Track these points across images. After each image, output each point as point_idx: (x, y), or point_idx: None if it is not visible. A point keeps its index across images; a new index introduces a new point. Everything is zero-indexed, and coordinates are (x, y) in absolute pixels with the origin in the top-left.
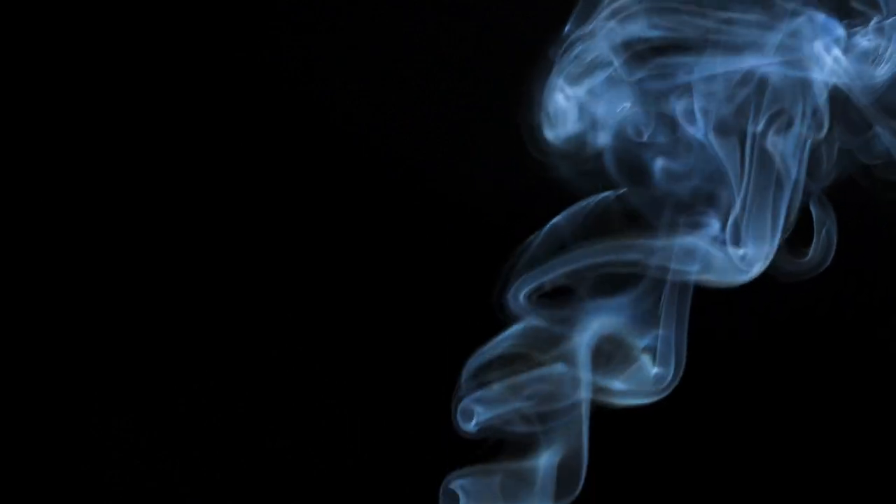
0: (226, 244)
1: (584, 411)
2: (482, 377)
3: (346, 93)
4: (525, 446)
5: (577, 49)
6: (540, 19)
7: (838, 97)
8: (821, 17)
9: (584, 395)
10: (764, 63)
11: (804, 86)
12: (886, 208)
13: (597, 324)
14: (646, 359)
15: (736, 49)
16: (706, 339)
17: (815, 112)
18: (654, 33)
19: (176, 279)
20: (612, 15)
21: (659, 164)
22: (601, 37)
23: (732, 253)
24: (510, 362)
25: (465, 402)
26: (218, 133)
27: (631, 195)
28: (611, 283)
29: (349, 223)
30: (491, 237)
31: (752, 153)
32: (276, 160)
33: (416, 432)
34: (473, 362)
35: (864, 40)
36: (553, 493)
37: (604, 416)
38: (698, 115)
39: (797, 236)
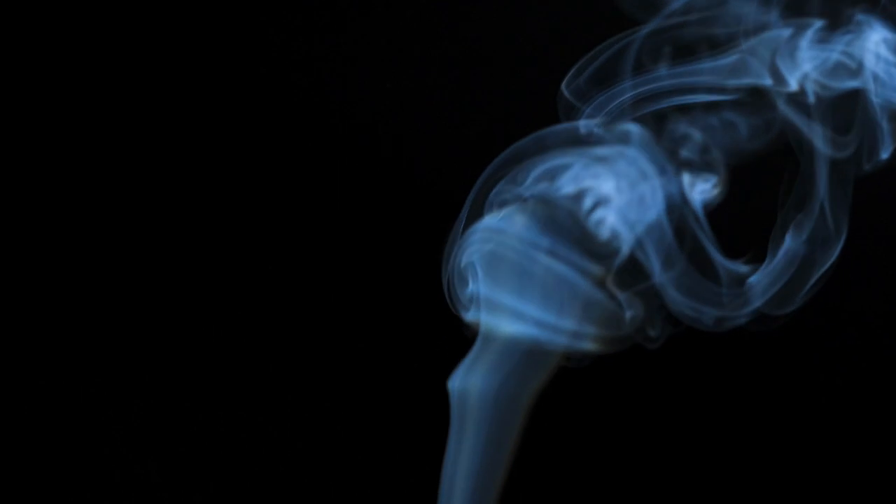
0: (225, 244)
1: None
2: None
3: (345, 92)
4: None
5: None
6: (540, 20)
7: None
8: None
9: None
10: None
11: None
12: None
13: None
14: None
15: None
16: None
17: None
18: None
19: (176, 279)
20: None
21: None
22: None
23: None
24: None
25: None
26: (217, 133)
27: None
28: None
29: (349, 223)
30: None
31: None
32: (275, 161)
33: (416, 433)
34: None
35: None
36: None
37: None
38: None
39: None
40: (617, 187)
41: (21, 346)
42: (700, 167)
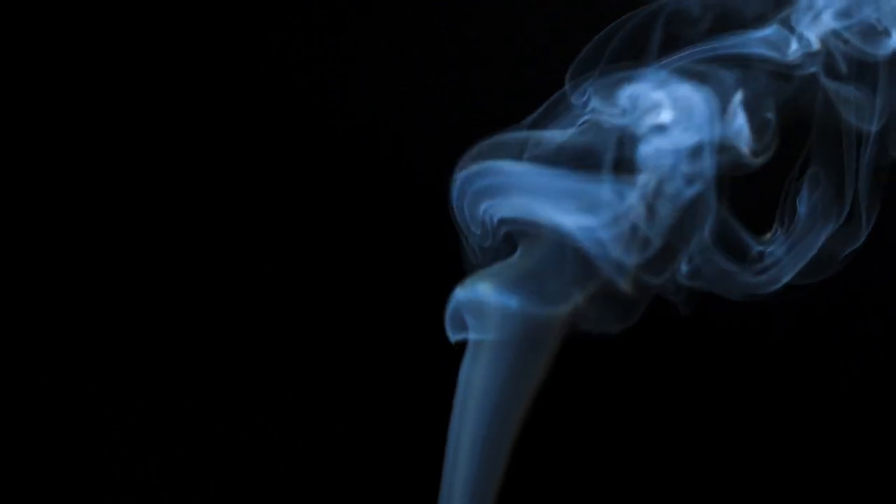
0: (226, 244)
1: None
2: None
3: (345, 92)
4: None
5: None
6: (540, 20)
7: None
8: None
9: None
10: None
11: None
12: None
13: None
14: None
15: None
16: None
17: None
18: None
19: (176, 278)
20: None
21: None
22: None
23: None
24: None
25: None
26: (218, 132)
27: None
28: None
29: (349, 223)
30: None
31: None
32: (275, 160)
33: (416, 433)
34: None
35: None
36: None
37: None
38: None
39: None
40: (670, 126)
41: (21, 346)
42: (748, 128)
